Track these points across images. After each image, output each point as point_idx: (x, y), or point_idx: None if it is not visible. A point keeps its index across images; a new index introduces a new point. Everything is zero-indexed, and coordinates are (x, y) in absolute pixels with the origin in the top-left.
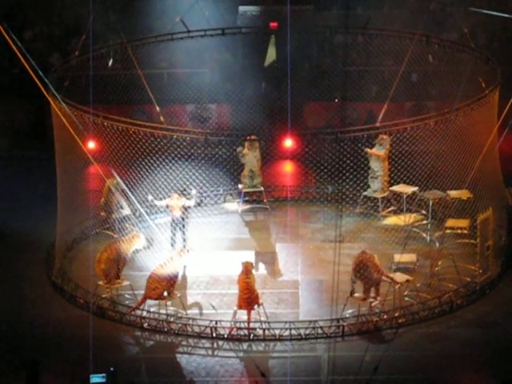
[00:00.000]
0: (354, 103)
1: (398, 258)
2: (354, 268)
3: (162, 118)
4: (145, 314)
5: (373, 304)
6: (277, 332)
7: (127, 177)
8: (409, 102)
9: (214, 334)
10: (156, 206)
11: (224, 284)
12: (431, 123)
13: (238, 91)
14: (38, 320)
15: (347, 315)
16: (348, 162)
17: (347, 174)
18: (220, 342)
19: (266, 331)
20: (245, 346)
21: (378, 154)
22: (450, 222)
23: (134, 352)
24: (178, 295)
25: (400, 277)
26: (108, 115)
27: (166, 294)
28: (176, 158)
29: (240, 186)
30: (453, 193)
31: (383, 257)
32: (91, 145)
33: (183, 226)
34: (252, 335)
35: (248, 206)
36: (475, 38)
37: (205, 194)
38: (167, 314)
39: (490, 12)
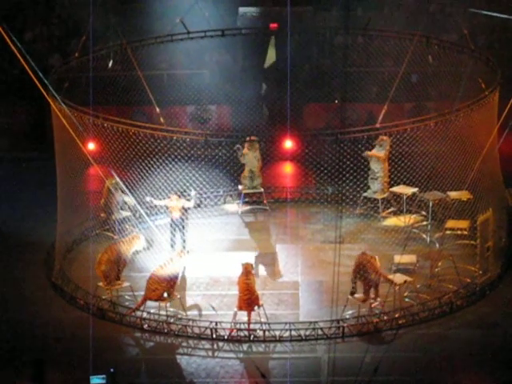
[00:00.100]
0: (353, 104)
1: (398, 258)
2: (353, 269)
3: (161, 119)
4: (145, 315)
5: (373, 305)
6: (277, 333)
7: (127, 178)
8: (409, 102)
9: (214, 335)
10: (155, 205)
11: (224, 285)
12: (431, 124)
13: (237, 92)
14: (37, 321)
15: (347, 316)
16: (348, 163)
17: (347, 175)
18: (220, 343)
19: (266, 332)
20: (245, 347)
21: (377, 155)
22: (450, 223)
23: (134, 353)
24: (178, 296)
25: (398, 278)
26: (108, 116)
27: (165, 295)
28: (176, 159)
29: (240, 187)
30: (453, 194)
31: (383, 258)
32: (91, 146)
33: (183, 228)
34: (252, 336)
35: (248, 207)
36: (475, 39)
37: (205, 195)
38: (167, 315)
39: (489, 13)
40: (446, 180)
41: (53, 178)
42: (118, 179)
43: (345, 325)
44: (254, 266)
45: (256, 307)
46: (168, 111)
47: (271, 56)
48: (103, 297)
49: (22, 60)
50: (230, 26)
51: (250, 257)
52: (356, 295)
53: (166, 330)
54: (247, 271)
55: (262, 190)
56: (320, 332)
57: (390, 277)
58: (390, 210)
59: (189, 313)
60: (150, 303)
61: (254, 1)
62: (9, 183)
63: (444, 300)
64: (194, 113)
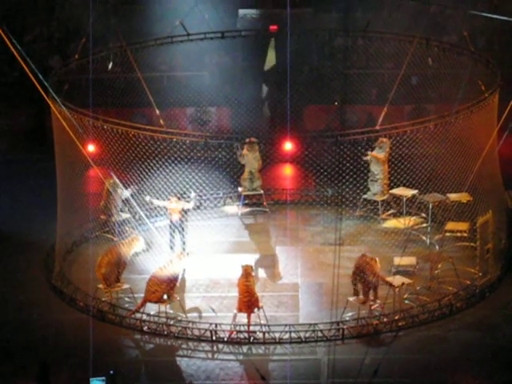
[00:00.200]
0: (353, 106)
1: (397, 261)
2: (353, 271)
3: (161, 121)
4: (145, 317)
5: (372, 307)
6: (277, 335)
7: (127, 180)
8: (409, 105)
9: (214, 337)
10: (154, 206)
11: (224, 287)
12: (431, 126)
13: (237, 94)
14: (37, 322)
15: (347, 318)
16: (348, 165)
17: (347, 177)
18: (220, 345)
19: (266, 334)
20: (245, 349)
21: (377, 156)
22: (450, 225)
23: (134, 355)
24: (178, 298)
25: (397, 280)
26: (108, 118)
27: (165, 297)
28: (176, 161)
29: (240, 189)
30: (452, 196)
31: (383, 260)
32: (91, 148)
33: (182, 229)
34: (252, 338)
35: (248, 209)
36: (475, 41)
37: (204, 197)
38: (167, 317)
39: (489, 15)
40: (446, 182)
41: (53, 179)
42: (116, 179)
43: (344, 327)
44: (253, 268)
45: (256, 309)
46: (168, 113)
47: (271, 58)
48: (103, 299)
49: (21, 62)
50: (229, 28)
51: (249, 259)
52: (354, 298)
53: (165, 332)
54: (247, 273)
55: (262, 191)
56: (320, 334)
57: (388, 279)
58: (389, 212)
59: (188, 315)
60: (149, 305)
61: (253, 3)
62: (9, 184)
63: (444, 302)
64: (194, 115)
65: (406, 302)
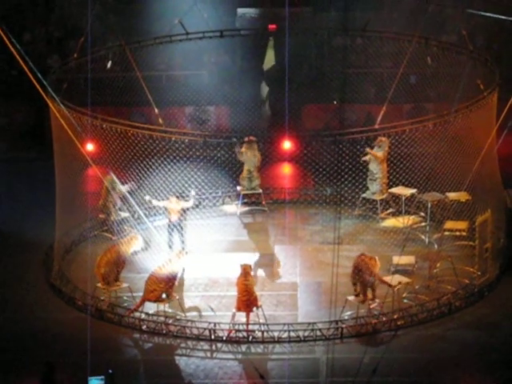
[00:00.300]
0: (352, 105)
1: (396, 260)
2: (352, 270)
3: (160, 120)
4: (143, 316)
5: (371, 306)
6: (275, 334)
7: (126, 179)
8: (407, 104)
9: (213, 336)
10: (154, 205)
11: (223, 286)
12: (430, 125)
13: (236, 93)
14: (36, 321)
15: (346, 317)
16: (347, 164)
17: (346, 176)
18: (219, 344)
19: (265, 333)
20: (243, 348)
21: (376, 155)
22: (449, 224)
23: (133, 354)
24: (177, 297)
25: (394, 279)
26: (106, 117)
27: (164, 296)
28: (175, 160)
29: (238, 188)
30: (451, 195)
31: (382, 259)
32: (90, 147)
33: (181, 229)
34: (251, 337)
35: (246, 208)
36: (474, 40)
37: (203, 196)
38: (166, 316)
39: (488, 14)
40: (445, 181)
41: (52, 178)
42: (113, 176)
43: (343, 326)
44: (252, 267)
45: (255, 308)
46: (167, 112)
47: (270, 58)
48: (102, 298)
49: (20, 61)
50: (228, 27)
51: (248, 258)
52: (354, 297)
53: (164, 331)
54: (246, 272)
55: (261, 190)
56: (318, 333)
57: (386, 278)
58: (388, 211)
59: (187, 314)
60: (148, 304)
61: (252, 2)
62: (8, 183)
63: (443, 301)
64: (193, 114)
65: (405, 301)
